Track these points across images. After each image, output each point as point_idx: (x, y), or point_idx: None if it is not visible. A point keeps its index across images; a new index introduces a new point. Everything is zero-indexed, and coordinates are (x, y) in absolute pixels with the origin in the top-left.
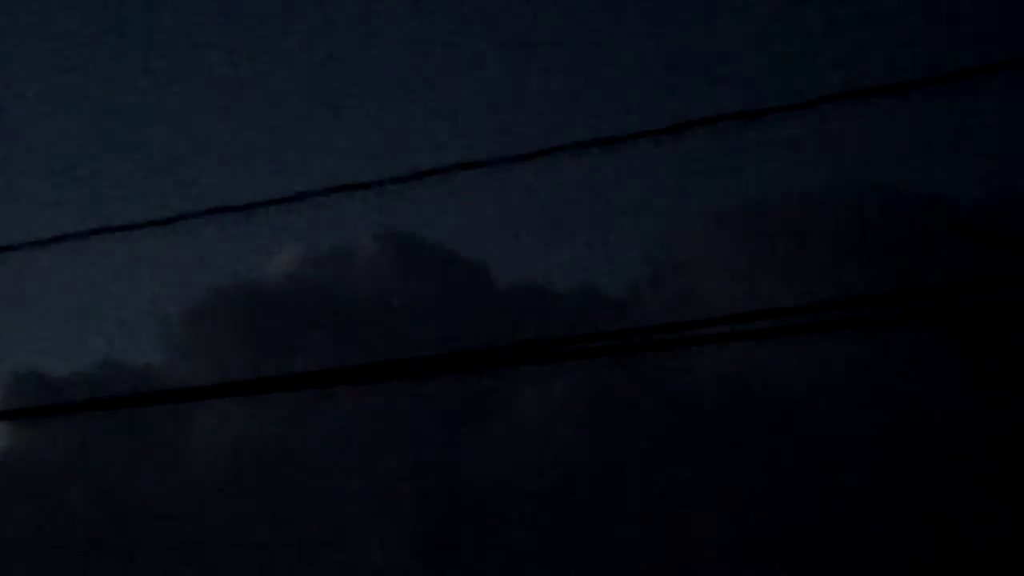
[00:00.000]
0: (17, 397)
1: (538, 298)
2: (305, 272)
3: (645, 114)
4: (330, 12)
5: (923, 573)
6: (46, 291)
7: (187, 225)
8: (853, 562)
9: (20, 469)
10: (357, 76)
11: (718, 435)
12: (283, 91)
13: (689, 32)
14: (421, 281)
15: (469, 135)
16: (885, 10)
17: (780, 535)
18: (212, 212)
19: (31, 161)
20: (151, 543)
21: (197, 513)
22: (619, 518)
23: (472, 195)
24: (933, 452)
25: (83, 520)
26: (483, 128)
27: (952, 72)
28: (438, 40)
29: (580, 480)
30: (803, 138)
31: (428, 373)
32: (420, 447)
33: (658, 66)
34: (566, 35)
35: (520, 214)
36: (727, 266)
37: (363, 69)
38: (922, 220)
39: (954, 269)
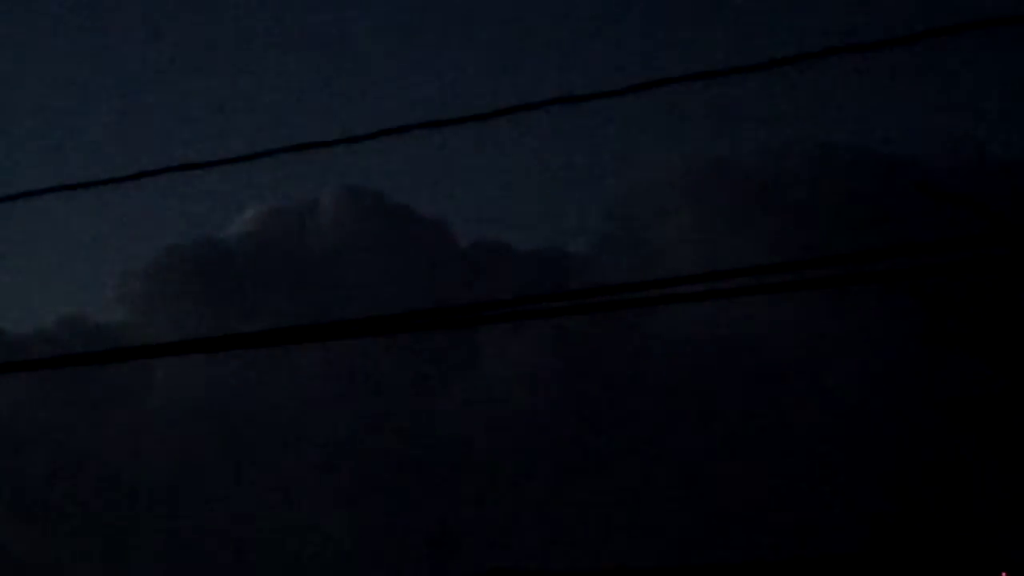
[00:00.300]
0: None
1: (500, 256)
2: (266, 230)
3: (609, 71)
4: None
5: (884, 531)
6: (6, 248)
7: (148, 182)
8: (817, 518)
9: None
10: (320, 34)
11: (680, 392)
12: (247, 47)
13: None
14: (383, 239)
15: (432, 92)
16: None
17: (745, 491)
18: (173, 169)
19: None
20: (110, 500)
21: (157, 469)
22: (583, 473)
23: (434, 154)
24: (894, 411)
25: (41, 477)
26: (447, 85)
27: (919, 32)
28: None
29: (543, 437)
30: (767, 96)
31: (390, 330)
32: (383, 404)
33: (623, 23)
34: None
35: (482, 172)
36: (688, 223)
37: (326, 26)
38: (886, 180)
39: (917, 229)
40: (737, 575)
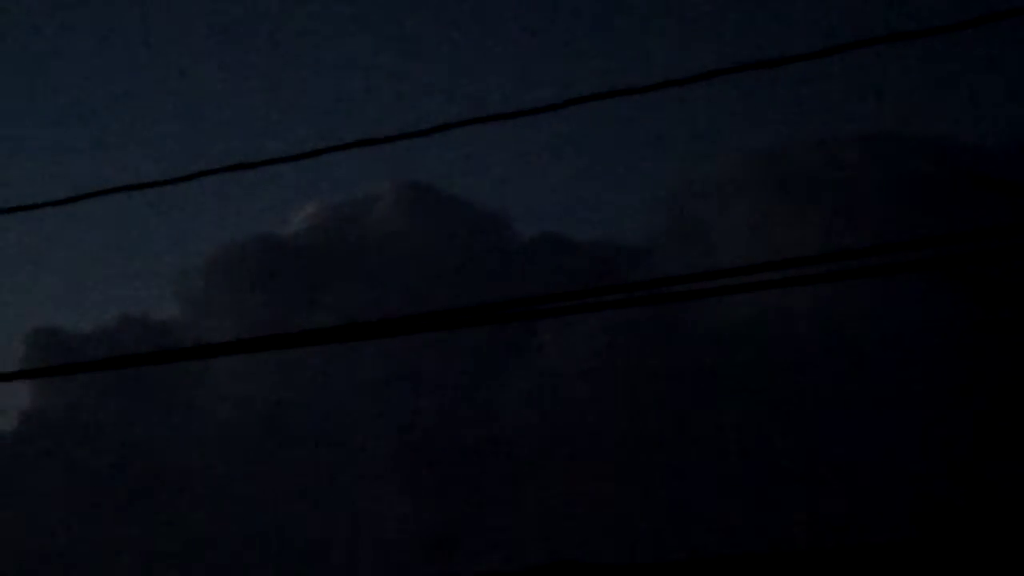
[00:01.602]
0: (37, 353)
1: (559, 248)
2: (325, 226)
3: (664, 64)
4: None
5: (932, 515)
6: (66, 248)
7: (206, 181)
8: (872, 506)
9: (41, 425)
10: (376, 30)
11: (737, 381)
12: (305, 42)
13: None
14: (443, 234)
15: (489, 87)
16: None
17: (796, 479)
18: (232, 168)
19: (51, 119)
20: (171, 496)
21: (215, 467)
22: (639, 465)
23: (493, 147)
24: (943, 396)
25: (102, 474)
26: (503, 80)
27: (965, 20)
28: None
29: (602, 429)
30: (819, 86)
31: (450, 326)
32: (442, 399)
33: (675, 16)
34: None
35: (541, 165)
36: (743, 214)
37: (382, 22)
38: (940, 168)
39: (966, 216)
40: (796, 563)
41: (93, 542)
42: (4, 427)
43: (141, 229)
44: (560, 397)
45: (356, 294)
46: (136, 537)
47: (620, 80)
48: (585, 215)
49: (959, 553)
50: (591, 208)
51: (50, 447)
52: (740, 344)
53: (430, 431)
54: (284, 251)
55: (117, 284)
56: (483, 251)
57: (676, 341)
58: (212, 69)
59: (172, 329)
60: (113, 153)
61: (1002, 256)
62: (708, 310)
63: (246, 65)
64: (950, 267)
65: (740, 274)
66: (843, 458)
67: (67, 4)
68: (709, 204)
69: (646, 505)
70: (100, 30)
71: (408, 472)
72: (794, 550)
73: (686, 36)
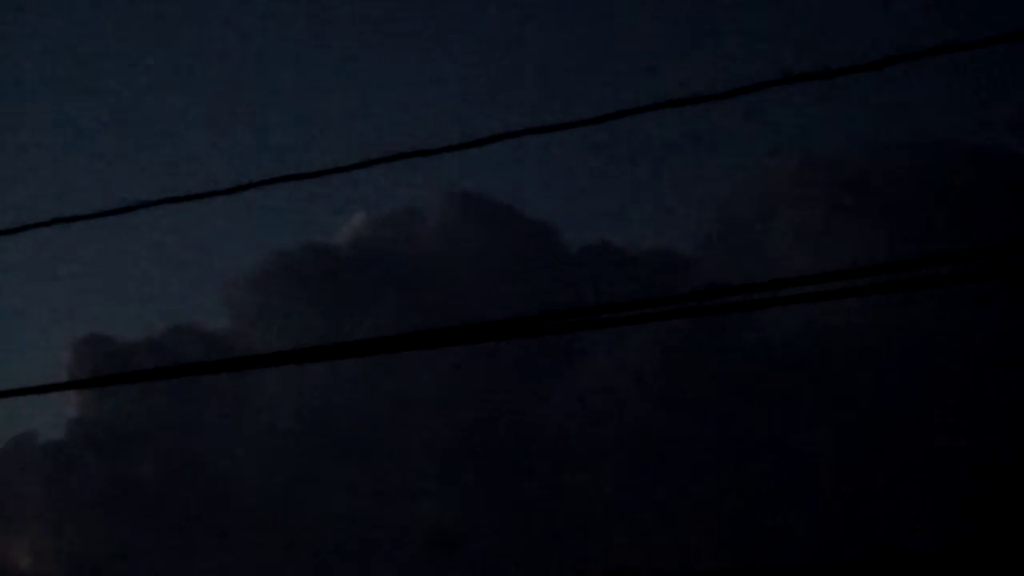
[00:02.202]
0: (87, 363)
1: (610, 258)
2: (373, 235)
3: (714, 74)
4: None
5: (1004, 529)
6: (115, 257)
7: (254, 192)
8: (929, 514)
9: (89, 433)
10: (421, 39)
11: (789, 390)
12: (347, 55)
13: None
14: (491, 244)
15: (537, 97)
16: None
17: (853, 489)
18: (279, 180)
19: (99, 127)
20: (219, 506)
21: (264, 476)
22: (690, 476)
23: (541, 157)
24: (1002, 408)
25: (152, 484)
26: (551, 89)
27: (1018, 30)
28: (503, 1)
29: (652, 439)
30: (874, 93)
31: (498, 337)
32: (491, 409)
33: (723, 25)
34: None
35: (590, 175)
36: (796, 223)
37: (427, 31)
38: (991, 175)
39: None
40: (850, 573)
41: (141, 550)
42: (53, 435)
43: (190, 239)
44: (610, 408)
45: (405, 304)
46: (185, 545)
47: (672, 89)
48: (636, 224)
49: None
50: (642, 217)
51: (98, 455)
52: (793, 354)
53: (479, 441)
54: (333, 261)
55: (166, 293)
56: (533, 261)
57: (727, 350)
58: (260, 78)
59: (222, 339)
60: (161, 164)
61: None
62: (761, 320)
63: (295, 73)
64: (1007, 277)
65: (792, 285)
66: (898, 468)
67: (120, 15)
68: (762, 212)
69: (697, 514)
70: (146, 38)
71: (455, 481)
72: (848, 560)
73: (739, 42)
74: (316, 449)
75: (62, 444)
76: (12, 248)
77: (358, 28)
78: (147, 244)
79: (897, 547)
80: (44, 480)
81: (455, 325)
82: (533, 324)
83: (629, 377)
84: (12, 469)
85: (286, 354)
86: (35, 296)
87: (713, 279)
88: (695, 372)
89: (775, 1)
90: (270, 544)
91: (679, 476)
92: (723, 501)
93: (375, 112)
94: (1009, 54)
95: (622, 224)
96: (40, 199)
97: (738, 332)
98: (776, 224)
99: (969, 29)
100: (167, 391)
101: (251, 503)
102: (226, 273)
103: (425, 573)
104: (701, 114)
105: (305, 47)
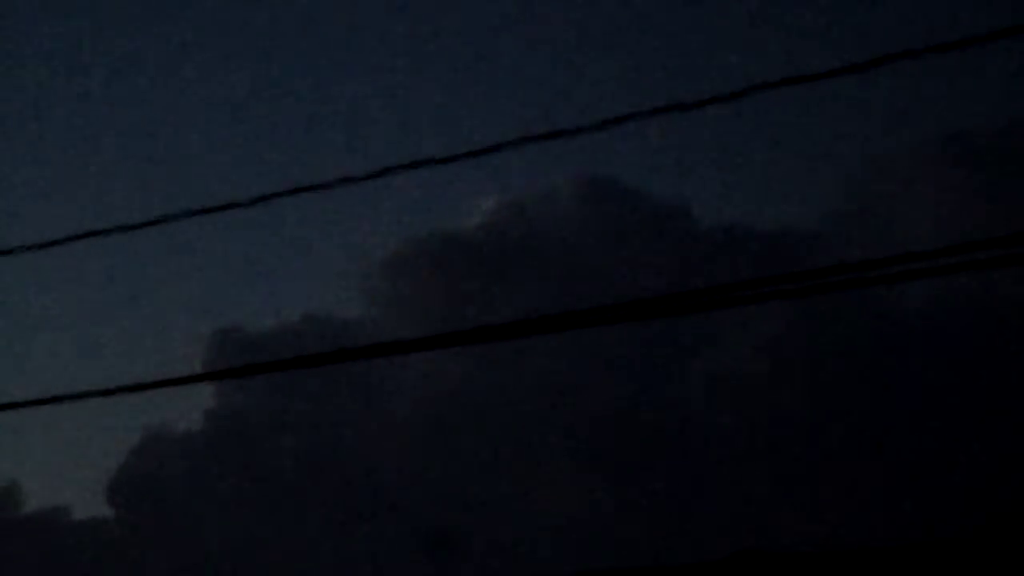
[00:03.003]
0: (222, 353)
1: (740, 238)
2: (505, 220)
3: (839, 49)
4: None
5: None
6: (248, 248)
7: (386, 179)
8: None
9: (225, 424)
10: (549, 22)
11: (923, 366)
12: (483, 37)
13: None
14: (621, 226)
15: (663, 78)
16: None
17: (997, 461)
18: (410, 166)
19: (229, 119)
20: (354, 492)
21: (399, 463)
22: (822, 453)
23: (671, 138)
24: None
25: (289, 472)
26: (676, 71)
27: None
28: None
29: (784, 416)
30: (1006, 63)
31: (632, 318)
32: (623, 391)
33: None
34: None
35: (718, 154)
36: (924, 198)
37: (555, 13)
38: None
39: None
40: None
41: (279, 541)
42: (191, 427)
43: (322, 228)
44: (741, 387)
45: (537, 288)
46: (321, 535)
47: (800, 65)
48: (765, 203)
49: None
50: (771, 195)
51: (235, 446)
52: (924, 329)
53: (611, 423)
54: (465, 246)
55: (299, 283)
56: (663, 242)
57: (858, 327)
58: (392, 65)
59: (355, 326)
60: (291, 154)
61: None
62: (892, 295)
63: (428, 60)
64: None
65: (924, 259)
66: None
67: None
68: (890, 188)
69: (828, 493)
70: (270, 28)
71: (589, 464)
72: (981, 536)
73: (868, 17)
74: (451, 436)
75: (199, 435)
76: (147, 242)
77: (487, 10)
78: (279, 234)
79: None
80: (182, 471)
81: (585, 308)
82: (664, 305)
83: (763, 357)
84: (150, 461)
85: (420, 341)
86: (169, 289)
87: (842, 256)
88: (828, 350)
89: None
90: (408, 531)
91: (811, 455)
92: (859, 481)
93: (504, 97)
94: None
95: (751, 203)
96: (172, 193)
97: (868, 309)
98: (904, 199)
99: None
100: (302, 380)
101: (390, 491)
102: (359, 261)
103: (567, 555)
104: (827, 91)
105: (434, 32)
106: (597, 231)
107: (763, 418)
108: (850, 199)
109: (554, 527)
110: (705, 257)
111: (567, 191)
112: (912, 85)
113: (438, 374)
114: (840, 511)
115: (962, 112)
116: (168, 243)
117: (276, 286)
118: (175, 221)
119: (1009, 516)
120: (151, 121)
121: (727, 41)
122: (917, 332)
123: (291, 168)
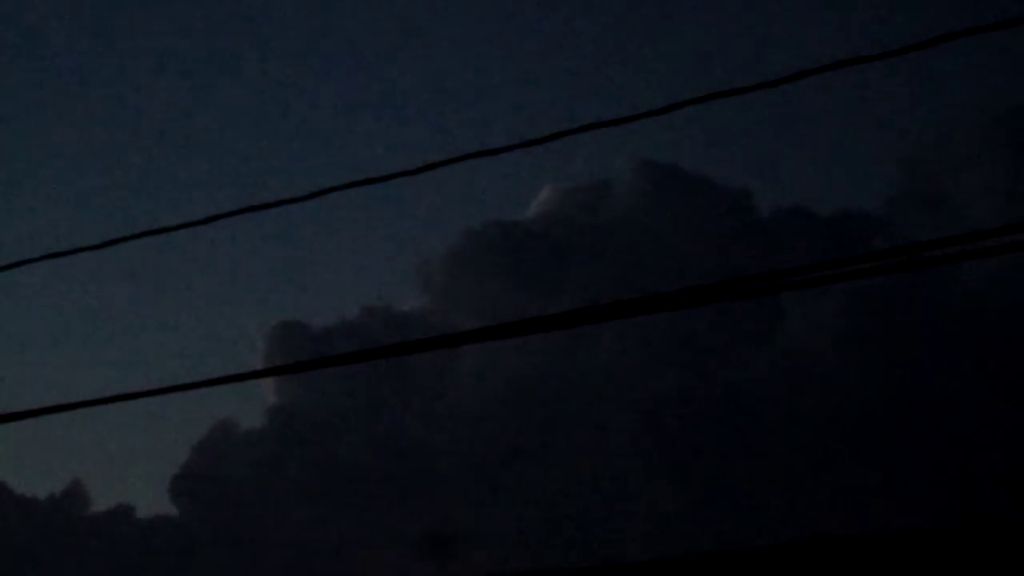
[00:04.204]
0: (281, 348)
1: (802, 221)
2: (564, 209)
3: (901, 31)
4: None
5: None
6: (306, 243)
7: (443, 171)
8: None
9: (288, 419)
10: (608, 9)
11: (984, 348)
12: (534, 25)
13: None
14: (684, 212)
15: (719, 63)
16: None
17: None
18: (467, 157)
19: (288, 115)
20: (420, 486)
21: (463, 455)
22: (887, 436)
23: (730, 122)
24: None
25: (351, 466)
26: (735, 55)
27: None
28: None
29: (849, 400)
30: None
31: (693, 304)
32: (688, 374)
33: None
34: None
35: (777, 139)
36: (986, 177)
37: (613, 1)
38: None
39: None
40: None
41: (345, 534)
42: (253, 423)
43: (380, 221)
44: (805, 370)
45: (599, 275)
46: (388, 528)
47: (859, 45)
48: (826, 186)
49: None
50: (832, 179)
51: (298, 441)
52: (988, 309)
53: (675, 407)
54: (524, 236)
55: (359, 276)
56: (725, 227)
57: (923, 310)
58: (451, 54)
59: (415, 319)
60: (348, 148)
61: None
62: (954, 276)
63: (483, 49)
64: None
65: (987, 237)
66: None
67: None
68: (952, 168)
69: (896, 476)
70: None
71: (655, 451)
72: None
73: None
74: (511, 425)
75: (261, 431)
76: (206, 239)
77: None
78: (337, 229)
79: None
80: (245, 467)
81: (649, 294)
82: (726, 289)
83: (826, 341)
84: (213, 458)
85: (480, 331)
86: (229, 285)
87: (905, 237)
88: (891, 333)
89: None
90: (473, 520)
91: (877, 438)
92: (922, 462)
93: (560, 85)
94: None
95: (813, 187)
96: (232, 189)
97: (935, 290)
98: (964, 179)
99: None
100: (363, 374)
101: (451, 478)
102: (418, 253)
103: (636, 541)
104: (888, 72)
105: (490, 22)
106: (657, 217)
107: (829, 401)
108: (914, 180)
109: (621, 507)
110: (767, 241)
111: (625, 177)
112: (971, 64)
113: (501, 365)
114: (909, 494)
115: (1016, 90)
116: (227, 240)
117: (335, 281)
118: (234, 216)
119: None
120: (209, 117)
121: (786, 23)
122: (980, 312)
123: (346, 163)
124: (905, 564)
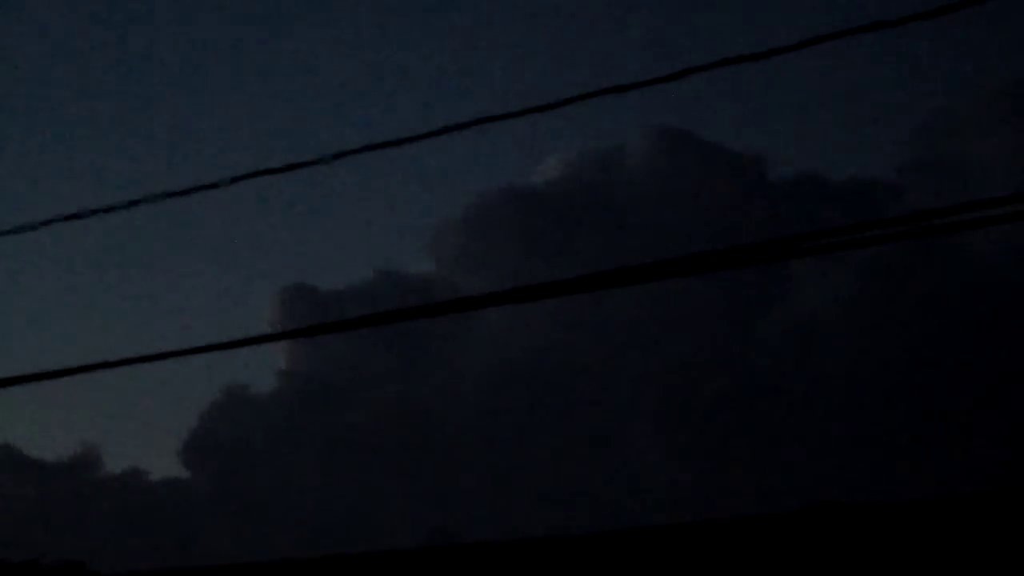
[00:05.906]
0: (292, 312)
1: (815, 188)
2: (576, 174)
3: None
4: None
5: None
6: (317, 207)
7: (454, 136)
8: None
9: (299, 384)
10: None
11: (996, 314)
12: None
13: None
14: (697, 178)
15: (735, 28)
16: None
17: None
18: (480, 122)
19: (298, 83)
20: (428, 451)
21: (473, 420)
22: (898, 404)
23: (743, 89)
24: None
25: (360, 431)
26: (749, 21)
27: None
28: None
29: (860, 368)
30: None
31: (706, 269)
32: (699, 342)
33: None
34: None
35: (791, 105)
36: (998, 144)
37: None
38: None
39: None
40: None
41: (354, 496)
42: (263, 388)
43: (392, 186)
44: (817, 337)
45: (611, 241)
46: (395, 492)
47: (874, 12)
48: (839, 153)
49: None
50: (845, 146)
51: (308, 405)
52: (999, 276)
53: (688, 375)
54: (536, 201)
55: (371, 240)
56: (739, 194)
57: (933, 277)
58: (464, 20)
59: (427, 282)
60: (357, 115)
61: None
62: (965, 244)
63: (494, 16)
64: None
65: (1000, 204)
66: None
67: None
68: (964, 135)
69: (907, 443)
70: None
71: (666, 419)
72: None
73: None
74: (521, 393)
75: (272, 395)
76: (217, 202)
77: None
78: (348, 193)
79: None
80: (256, 431)
81: (659, 259)
82: (738, 255)
83: (837, 308)
84: (224, 422)
85: (492, 296)
86: (240, 248)
87: (917, 204)
88: (902, 300)
89: None
90: (488, 488)
91: (888, 406)
92: (935, 431)
93: (570, 50)
94: None
95: (824, 154)
96: (242, 153)
97: (945, 258)
98: (976, 146)
99: None
100: (375, 337)
101: (460, 444)
102: (429, 218)
103: (646, 506)
104: (903, 39)
105: None
106: (668, 183)
107: (838, 369)
108: (926, 147)
109: (631, 476)
110: (779, 208)
111: (639, 144)
112: (984, 31)
113: (512, 330)
114: (916, 461)
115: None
116: (238, 204)
117: (347, 245)
118: (246, 179)
119: None
120: (223, 83)
121: None
122: (992, 280)
123: (356, 129)
124: (914, 532)
